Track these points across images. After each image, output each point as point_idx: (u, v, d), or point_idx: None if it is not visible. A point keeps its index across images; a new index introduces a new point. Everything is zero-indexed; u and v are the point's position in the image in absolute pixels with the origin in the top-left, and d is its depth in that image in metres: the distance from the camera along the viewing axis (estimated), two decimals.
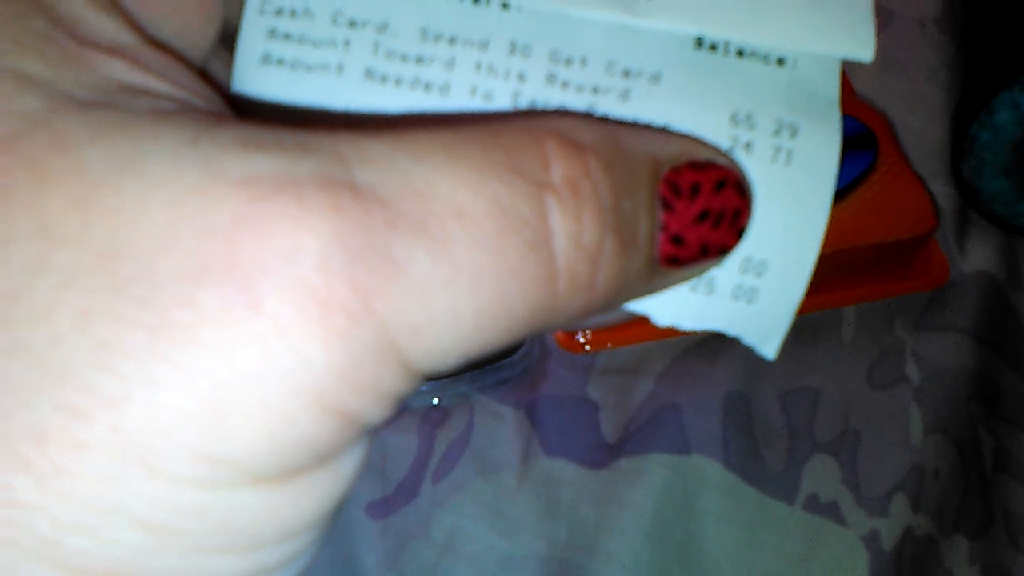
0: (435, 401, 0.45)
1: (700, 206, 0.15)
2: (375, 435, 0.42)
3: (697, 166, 0.15)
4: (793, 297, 0.17)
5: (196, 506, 0.12)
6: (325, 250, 0.11)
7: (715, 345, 0.46)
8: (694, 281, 0.16)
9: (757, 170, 0.16)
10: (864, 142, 0.46)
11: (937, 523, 0.42)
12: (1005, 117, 0.45)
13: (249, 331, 0.11)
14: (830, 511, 0.42)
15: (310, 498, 0.13)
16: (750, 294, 0.17)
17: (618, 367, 0.46)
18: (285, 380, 0.11)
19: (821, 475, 0.43)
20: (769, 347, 0.17)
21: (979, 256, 0.49)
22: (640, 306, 0.17)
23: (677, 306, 0.17)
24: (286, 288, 0.11)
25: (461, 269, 0.12)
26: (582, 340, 0.46)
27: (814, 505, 0.43)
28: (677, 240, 0.15)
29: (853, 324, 0.47)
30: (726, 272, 0.16)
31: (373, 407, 0.12)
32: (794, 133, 0.16)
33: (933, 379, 0.45)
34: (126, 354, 0.11)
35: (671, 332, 0.46)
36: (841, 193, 0.44)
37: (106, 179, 0.12)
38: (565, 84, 0.16)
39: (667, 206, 0.15)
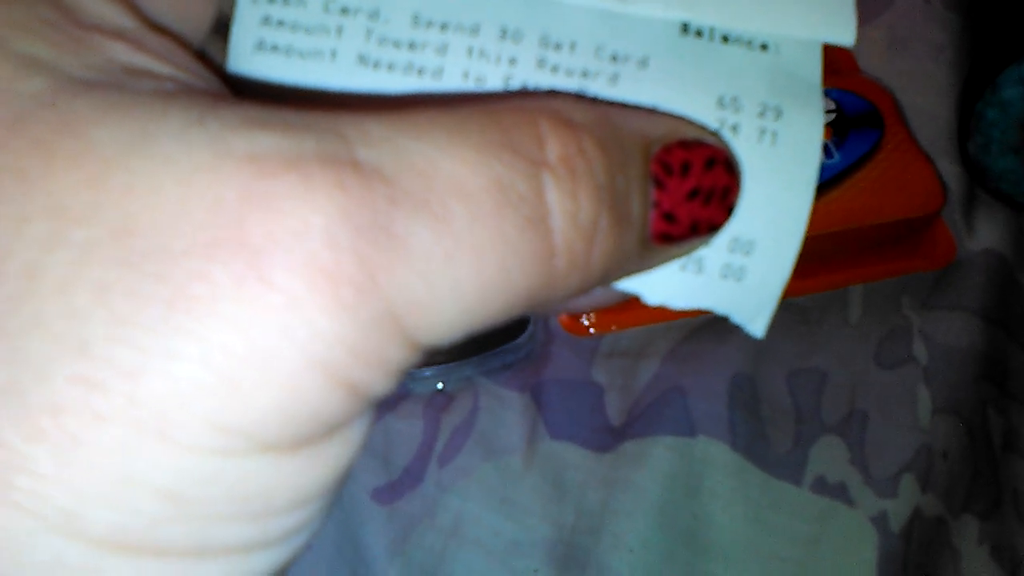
0: (440, 386, 0.45)
1: (691, 184, 0.16)
2: (379, 420, 0.42)
3: (687, 145, 0.16)
4: (780, 275, 0.17)
5: (210, 474, 0.12)
6: (331, 226, 0.12)
7: (720, 327, 0.45)
8: (684, 260, 0.17)
9: (744, 151, 0.17)
10: (870, 120, 0.46)
11: (946, 503, 0.42)
12: (1012, 93, 0.45)
13: (262, 304, 0.12)
14: (838, 492, 0.42)
15: (318, 467, 0.13)
16: (738, 273, 0.17)
17: (623, 350, 0.46)
18: (297, 352, 0.12)
19: (828, 456, 0.43)
20: (757, 325, 0.17)
21: (987, 234, 0.48)
22: (632, 285, 0.17)
23: (667, 285, 0.17)
24: (296, 263, 0.12)
25: (462, 244, 0.13)
26: (587, 323, 0.46)
27: (822, 486, 0.42)
28: (669, 217, 0.15)
29: (860, 304, 0.47)
30: (715, 251, 0.17)
31: (379, 379, 0.13)
32: (778, 115, 0.17)
33: (941, 359, 0.45)
34: (142, 327, 0.11)
35: (676, 314, 0.46)
36: (847, 172, 0.44)
37: (116, 158, 0.12)
38: (555, 68, 0.17)
39: (659, 184, 0.15)
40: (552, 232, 0.14)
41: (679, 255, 0.16)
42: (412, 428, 0.44)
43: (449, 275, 0.13)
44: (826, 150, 0.45)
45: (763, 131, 0.17)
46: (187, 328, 0.11)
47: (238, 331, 0.11)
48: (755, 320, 0.17)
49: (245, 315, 0.11)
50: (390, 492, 0.42)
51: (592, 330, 0.46)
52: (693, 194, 0.16)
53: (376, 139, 0.13)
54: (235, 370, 0.12)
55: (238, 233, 0.12)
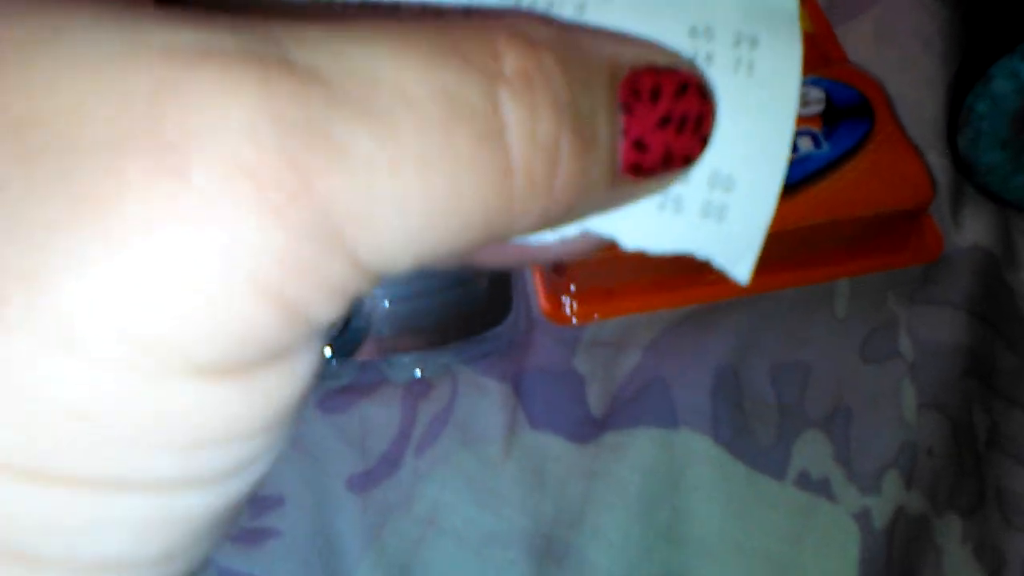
0: (417, 373, 0.44)
1: (662, 110, 0.15)
2: (355, 406, 0.41)
3: (657, 70, 0.15)
4: (764, 213, 0.16)
5: (126, 393, 0.11)
6: (254, 121, 0.11)
7: (705, 318, 0.45)
8: (661, 199, 0.16)
9: (719, 82, 0.16)
10: (860, 111, 0.45)
11: (930, 501, 0.42)
12: (1003, 86, 0.45)
13: (176, 203, 0.11)
14: (821, 488, 0.42)
15: (259, 397, 0.12)
16: (720, 211, 0.16)
17: (605, 339, 0.45)
18: (218, 260, 0.11)
19: (812, 451, 0.42)
20: (741, 269, 0.17)
21: (974, 230, 0.48)
22: (606, 228, 0.16)
23: (645, 226, 0.16)
24: (214, 160, 0.11)
25: (408, 154, 0.12)
26: (569, 312, 0.45)
27: (805, 481, 0.42)
28: (639, 145, 0.15)
29: (846, 298, 0.46)
30: (694, 188, 0.16)
31: (319, 299, 0.12)
32: (754, 44, 0.16)
33: (927, 354, 0.45)
34: (42, 226, 0.10)
35: (659, 303, 0.45)
36: (836, 162, 0.44)
37: (16, 54, 0.11)
38: None
39: (627, 109, 0.14)
40: (509, 148, 0.13)
41: (652, 191, 0.16)
42: (389, 415, 0.43)
43: (395, 187, 0.12)
44: (815, 140, 0.44)
45: (739, 61, 0.16)
46: (92, 227, 0.10)
47: (149, 232, 0.10)
48: (739, 263, 0.17)
49: (157, 215, 0.10)
50: (365, 480, 0.42)
51: (574, 319, 0.45)
52: (665, 121, 0.15)
53: (312, 41, 0.12)
54: (148, 277, 0.10)
55: (150, 127, 0.11)
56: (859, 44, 0.52)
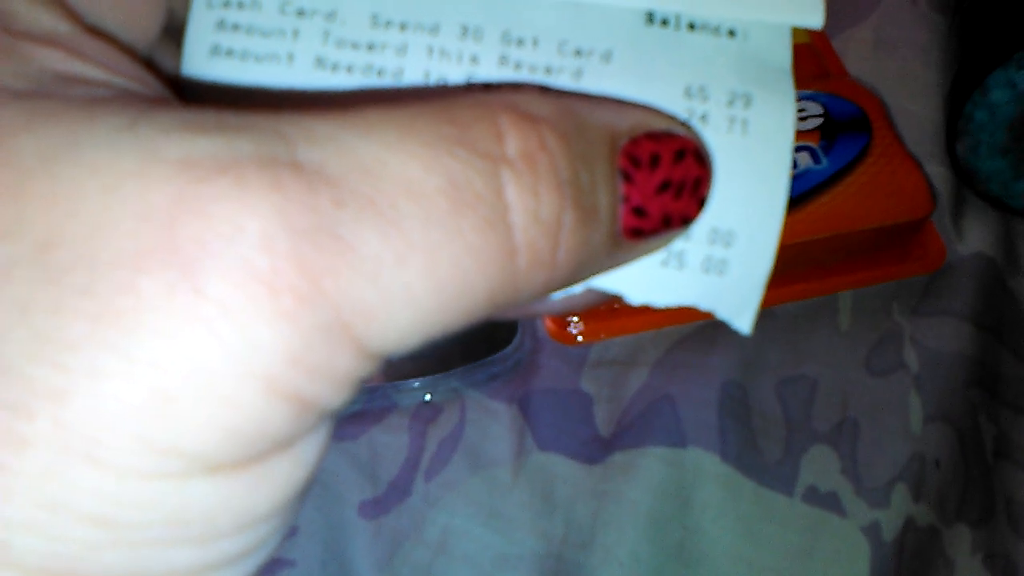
0: (426, 398, 0.44)
1: (661, 176, 0.15)
2: (364, 433, 0.41)
3: (655, 136, 0.15)
4: (763, 266, 0.17)
5: (147, 498, 0.11)
6: (267, 230, 0.11)
7: (710, 334, 0.45)
8: (664, 256, 0.16)
9: (714, 141, 0.16)
10: (858, 125, 0.45)
11: (939, 512, 0.42)
12: (1000, 96, 0.45)
13: (193, 315, 0.11)
14: (830, 502, 0.42)
15: (268, 487, 0.13)
16: (720, 265, 0.17)
17: (611, 359, 0.45)
18: (233, 364, 0.11)
19: (820, 466, 0.43)
20: (743, 320, 0.17)
21: (976, 238, 0.48)
22: (613, 284, 0.16)
23: (649, 282, 0.17)
24: (229, 270, 0.11)
25: (414, 247, 0.12)
26: (575, 332, 0.45)
27: (813, 496, 0.42)
28: (639, 212, 0.15)
29: (850, 310, 0.46)
30: (695, 245, 0.16)
31: (330, 391, 0.12)
32: (748, 103, 0.17)
33: (932, 365, 0.45)
34: (67, 345, 0.11)
35: (664, 321, 0.45)
36: (836, 177, 0.44)
37: (38, 167, 0.11)
38: (518, 65, 0.16)
39: (627, 177, 0.15)
40: (512, 230, 0.13)
41: (652, 250, 0.16)
42: (398, 441, 0.43)
43: (401, 279, 0.12)
44: (814, 155, 0.44)
45: (733, 120, 0.16)
46: (113, 343, 0.11)
47: (169, 345, 0.11)
48: (741, 315, 0.17)
49: (175, 327, 0.11)
50: (376, 507, 0.42)
51: (580, 339, 0.46)
52: (664, 187, 0.15)
53: (320, 138, 0.12)
54: (166, 386, 0.11)
55: (167, 241, 0.11)
56: (858, 54, 0.52)
